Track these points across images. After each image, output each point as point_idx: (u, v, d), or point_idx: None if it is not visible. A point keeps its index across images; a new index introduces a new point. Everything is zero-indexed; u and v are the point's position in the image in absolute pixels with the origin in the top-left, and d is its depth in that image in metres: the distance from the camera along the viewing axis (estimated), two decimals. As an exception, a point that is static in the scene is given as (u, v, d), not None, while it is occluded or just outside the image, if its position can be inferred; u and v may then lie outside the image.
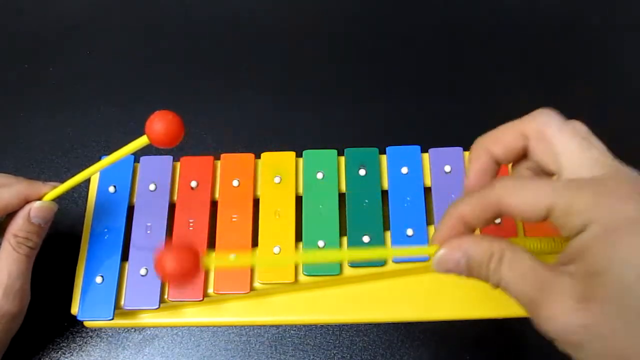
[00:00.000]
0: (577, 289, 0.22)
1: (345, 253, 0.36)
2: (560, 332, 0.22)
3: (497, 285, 0.25)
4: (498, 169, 0.28)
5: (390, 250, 0.31)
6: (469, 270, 0.25)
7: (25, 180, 0.35)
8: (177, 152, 0.47)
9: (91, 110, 0.50)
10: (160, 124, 0.28)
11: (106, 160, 0.33)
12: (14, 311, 0.34)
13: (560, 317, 0.22)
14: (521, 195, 0.24)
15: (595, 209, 0.22)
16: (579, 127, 0.26)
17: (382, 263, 0.38)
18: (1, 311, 0.33)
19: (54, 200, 0.36)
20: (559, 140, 0.26)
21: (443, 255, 0.26)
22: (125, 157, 0.41)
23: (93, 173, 0.34)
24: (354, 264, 0.38)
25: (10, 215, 0.35)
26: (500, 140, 0.28)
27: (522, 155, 0.28)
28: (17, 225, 0.34)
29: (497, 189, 0.25)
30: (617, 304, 0.21)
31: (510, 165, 0.30)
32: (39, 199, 0.35)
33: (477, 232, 0.29)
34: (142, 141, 0.30)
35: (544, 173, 0.27)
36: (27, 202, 0.35)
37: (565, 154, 0.25)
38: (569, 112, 0.51)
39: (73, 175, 0.34)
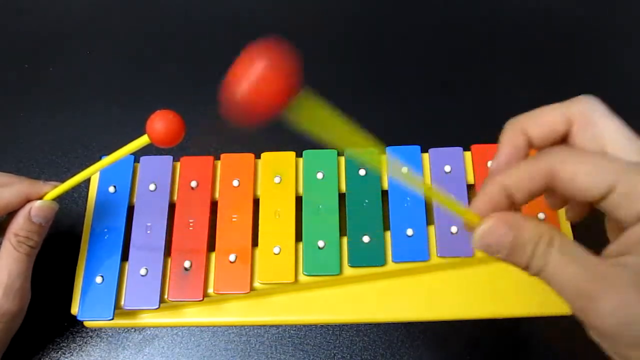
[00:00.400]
0: (635, 279, 0.20)
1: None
2: (624, 324, 0.20)
3: (537, 272, 0.23)
4: (510, 206, 0.25)
5: (433, 192, 0.26)
6: (512, 249, 0.23)
7: (26, 179, 0.35)
8: (177, 152, 0.47)
9: (91, 110, 0.50)
10: (161, 124, 0.28)
11: (106, 160, 0.33)
12: (14, 310, 0.34)
13: (623, 309, 0.20)
14: (581, 167, 0.22)
15: None
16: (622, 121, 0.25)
17: (382, 263, 0.38)
18: (1, 310, 0.33)
19: (54, 199, 0.36)
20: (606, 127, 0.24)
21: (489, 228, 0.23)
22: (125, 157, 0.41)
23: (94, 172, 0.34)
24: (354, 264, 0.38)
25: (11, 214, 0.35)
26: (540, 121, 0.26)
27: (560, 141, 0.26)
28: (18, 225, 0.34)
29: (552, 156, 0.23)
30: None
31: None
32: (40, 198, 0.35)
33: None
34: (142, 140, 0.30)
35: None
36: (28, 201, 0.35)
37: (612, 143, 0.24)
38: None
39: (73, 175, 0.34)
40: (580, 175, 0.22)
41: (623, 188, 0.21)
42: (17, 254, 0.34)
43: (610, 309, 0.20)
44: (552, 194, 0.28)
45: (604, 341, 0.21)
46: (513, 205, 0.24)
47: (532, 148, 0.26)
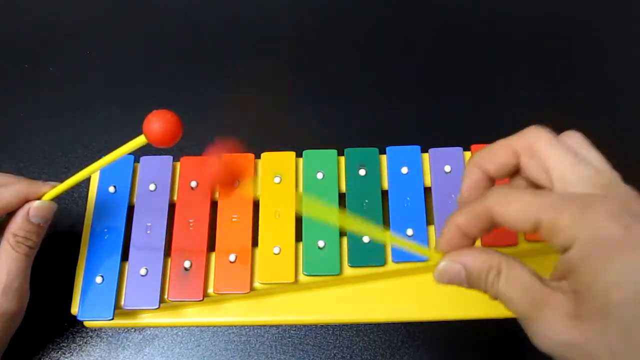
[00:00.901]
0: (568, 307, 0.22)
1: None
2: (551, 348, 0.23)
3: (494, 298, 0.25)
4: (492, 184, 0.28)
5: (391, 238, 0.31)
6: (469, 282, 0.26)
7: (25, 179, 0.35)
8: (177, 152, 0.47)
9: (91, 110, 0.50)
10: (158, 124, 0.28)
11: (104, 160, 0.33)
12: (13, 310, 0.34)
13: (551, 334, 0.23)
14: (510, 207, 0.24)
15: (579, 227, 0.22)
16: (571, 141, 0.26)
17: (382, 263, 0.38)
18: (0, 310, 0.33)
19: (53, 199, 0.36)
20: (548, 157, 0.26)
21: (443, 267, 0.27)
22: (125, 157, 0.41)
23: (92, 172, 0.34)
24: (354, 264, 0.38)
25: (10, 214, 0.35)
26: (492, 157, 0.28)
27: (515, 172, 0.28)
28: (17, 225, 0.34)
29: (488, 200, 0.25)
30: (602, 324, 0.21)
31: None
32: (39, 198, 0.35)
33: (478, 242, 0.29)
34: (140, 141, 0.30)
35: (539, 187, 0.27)
36: (27, 201, 0.35)
37: (556, 171, 0.25)
38: (569, 112, 0.51)
39: (73, 175, 0.34)
40: (509, 216, 0.24)
41: (546, 222, 0.23)
42: (16, 254, 0.34)
43: (543, 331, 0.23)
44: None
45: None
46: (472, 239, 0.27)
47: (495, 179, 0.29)
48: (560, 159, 0.25)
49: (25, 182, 0.35)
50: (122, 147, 0.31)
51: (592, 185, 0.24)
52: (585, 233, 0.22)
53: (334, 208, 0.31)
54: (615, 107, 0.50)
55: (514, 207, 0.24)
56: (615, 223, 0.21)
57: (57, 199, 0.36)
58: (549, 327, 0.23)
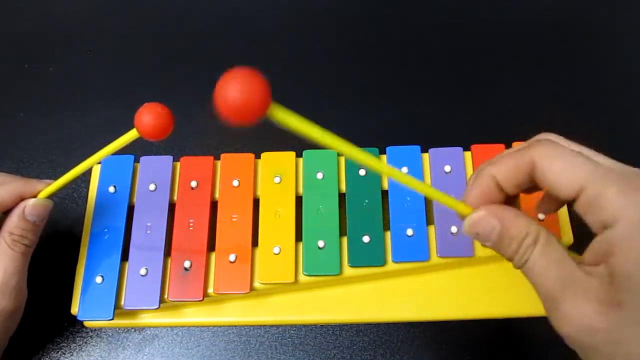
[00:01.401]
0: (602, 292, 0.21)
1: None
2: (577, 332, 0.22)
3: (520, 266, 0.24)
4: (504, 197, 0.26)
5: (423, 186, 0.26)
6: (499, 240, 0.24)
7: (20, 178, 0.35)
8: (177, 152, 0.47)
9: (91, 110, 0.50)
10: (149, 117, 0.28)
11: (97, 155, 0.32)
12: (11, 308, 0.34)
13: (580, 318, 0.21)
14: (556, 165, 0.23)
15: (627, 205, 0.21)
16: (572, 145, 0.25)
17: (382, 263, 0.38)
18: None
19: (48, 197, 0.36)
20: (561, 167, 0.23)
21: (479, 218, 0.24)
22: (125, 157, 0.41)
23: (85, 168, 0.33)
24: (354, 264, 0.38)
25: (6, 213, 0.35)
26: (503, 168, 0.25)
27: (529, 179, 0.26)
28: (12, 223, 0.34)
29: (535, 150, 0.23)
30: (635, 320, 0.20)
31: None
32: (34, 196, 0.35)
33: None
34: (131, 135, 0.30)
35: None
36: (22, 199, 0.35)
37: (573, 180, 0.23)
38: (569, 112, 0.51)
39: (67, 172, 0.34)
40: (554, 172, 0.23)
41: (591, 190, 0.22)
42: (12, 253, 0.34)
43: (571, 315, 0.22)
44: (545, 200, 0.28)
45: (566, 341, 0.23)
46: (505, 197, 0.25)
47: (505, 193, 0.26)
48: (578, 167, 0.23)
49: (20, 181, 0.35)
50: (114, 142, 0.31)
51: (627, 177, 0.22)
52: (633, 212, 0.21)
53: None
54: (616, 107, 0.50)
55: (561, 165, 0.23)
56: None
57: (58, 199, 0.36)
58: (577, 309, 0.22)
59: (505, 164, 0.24)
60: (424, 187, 0.26)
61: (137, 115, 0.29)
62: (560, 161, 0.23)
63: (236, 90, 0.21)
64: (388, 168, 0.25)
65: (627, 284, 0.20)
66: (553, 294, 0.22)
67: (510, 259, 0.24)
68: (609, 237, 0.21)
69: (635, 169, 0.23)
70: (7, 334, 0.35)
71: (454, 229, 0.39)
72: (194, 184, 0.40)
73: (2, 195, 0.34)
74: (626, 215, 0.21)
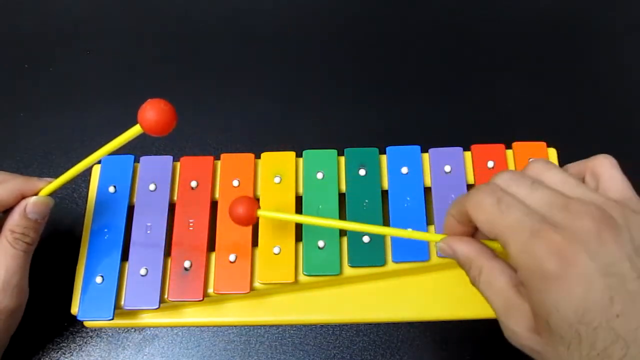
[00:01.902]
0: (531, 319, 0.25)
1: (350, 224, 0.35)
2: (521, 347, 0.26)
3: (473, 286, 0.28)
4: (468, 229, 0.29)
5: (395, 230, 0.34)
6: (458, 263, 0.29)
7: (20, 176, 0.36)
8: (177, 152, 0.47)
9: (91, 110, 0.50)
10: (152, 112, 0.28)
11: (100, 152, 0.32)
12: (12, 307, 0.34)
13: (517, 338, 0.26)
14: (479, 216, 0.26)
15: (523, 257, 0.24)
16: (533, 168, 0.27)
17: (382, 263, 0.38)
18: (1, 306, 0.33)
19: (49, 195, 0.36)
20: (483, 219, 0.27)
21: (440, 247, 0.30)
22: (125, 157, 0.41)
23: (87, 166, 0.33)
24: (354, 264, 0.38)
25: (7, 212, 0.35)
26: (454, 211, 0.29)
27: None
28: (14, 221, 0.34)
29: (467, 201, 0.27)
30: (551, 340, 0.23)
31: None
32: (35, 194, 0.35)
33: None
34: (135, 130, 0.30)
35: None
36: (23, 198, 0.35)
37: (490, 231, 0.26)
38: (569, 112, 0.52)
39: (68, 170, 0.34)
40: (479, 221, 0.26)
41: (502, 242, 0.25)
42: (14, 251, 0.34)
43: (510, 335, 0.26)
44: None
45: None
46: (471, 228, 0.29)
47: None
48: (495, 220, 0.26)
49: (21, 179, 0.35)
50: (117, 138, 0.31)
51: (551, 208, 0.25)
52: (527, 263, 0.24)
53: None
54: (616, 107, 0.50)
55: (481, 216, 0.26)
56: (554, 258, 0.23)
57: (58, 198, 0.36)
58: (515, 332, 0.26)
59: (455, 207, 0.29)
60: (393, 230, 0.34)
61: (140, 111, 0.29)
62: (482, 214, 0.26)
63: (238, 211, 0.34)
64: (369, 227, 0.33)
65: (537, 318, 0.24)
66: (499, 316, 0.26)
67: (471, 280, 0.29)
68: (520, 276, 0.25)
69: (545, 217, 0.24)
70: (8, 333, 0.35)
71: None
72: (194, 184, 0.40)
73: (2, 194, 0.34)
74: (523, 265, 0.24)
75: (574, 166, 0.29)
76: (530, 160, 0.29)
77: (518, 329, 0.25)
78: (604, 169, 0.27)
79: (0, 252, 0.34)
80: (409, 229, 0.33)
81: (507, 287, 0.26)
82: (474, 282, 0.28)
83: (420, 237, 0.33)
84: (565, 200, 0.25)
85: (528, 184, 0.26)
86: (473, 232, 0.29)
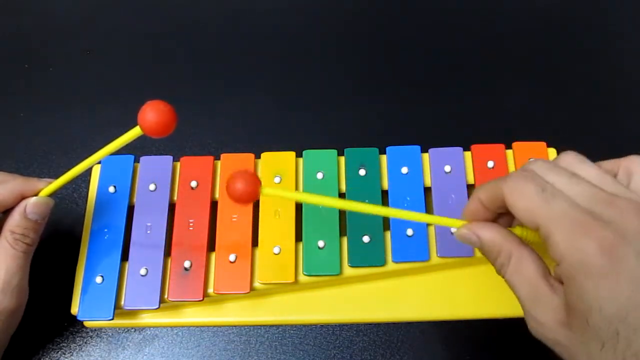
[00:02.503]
0: (560, 312, 0.24)
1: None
2: (541, 339, 0.26)
3: (500, 275, 0.28)
4: (492, 214, 0.29)
5: (421, 216, 0.31)
6: (482, 252, 0.28)
7: (20, 177, 0.35)
8: (177, 152, 0.47)
9: (91, 110, 0.50)
10: (152, 114, 0.28)
11: (99, 153, 0.32)
12: (12, 307, 0.34)
13: (542, 330, 0.25)
14: (519, 203, 0.25)
15: (569, 250, 0.23)
16: (564, 163, 0.27)
17: (382, 263, 0.38)
18: (1, 307, 0.33)
19: (50, 195, 0.36)
20: (523, 206, 0.26)
21: (462, 234, 0.29)
22: (125, 157, 0.41)
23: (87, 167, 0.33)
24: (354, 264, 0.38)
25: (7, 212, 0.35)
26: (484, 194, 0.28)
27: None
28: (14, 222, 0.34)
29: (505, 184, 0.26)
30: (584, 337, 0.23)
31: None
32: (35, 195, 0.35)
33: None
34: (135, 132, 0.30)
35: None
36: (23, 198, 0.35)
37: (531, 219, 0.25)
38: (569, 113, 0.51)
39: (68, 171, 0.34)
40: (517, 208, 0.26)
41: (543, 232, 0.24)
42: (14, 252, 0.34)
43: (536, 325, 0.26)
44: None
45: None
46: (495, 214, 0.28)
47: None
48: (538, 207, 0.25)
49: (21, 179, 0.35)
50: (117, 139, 0.31)
51: (596, 203, 0.24)
52: (574, 256, 0.23)
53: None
54: (616, 106, 0.50)
55: (521, 203, 0.25)
56: (604, 254, 0.22)
57: (58, 199, 0.36)
58: (542, 323, 0.25)
59: (486, 191, 0.28)
60: (422, 216, 0.32)
61: (140, 112, 0.29)
62: (523, 200, 0.25)
63: (239, 187, 0.29)
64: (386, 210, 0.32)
65: (573, 313, 0.24)
66: (524, 305, 0.26)
67: (496, 268, 0.28)
68: (559, 271, 0.24)
69: (591, 211, 0.24)
70: (8, 333, 0.35)
71: (453, 229, 0.39)
72: (194, 184, 0.40)
73: (2, 194, 0.34)
74: (568, 258, 0.23)
75: (607, 163, 0.28)
76: (562, 153, 0.27)
77: (545, 320, 0.25)
78: (639, 168, 0.27)
79: (0, 252, 0.34)
80: (424, 213, 0.32)
81: (537, 276, 0.26)
82: (500, 270, 0.27)
83: (438, 221, 0.31)
84: (609, 196, 0.24)
85: (567, 174, 0.25)
86: (495, 219, 0.29)
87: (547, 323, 0.25)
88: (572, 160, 0.27)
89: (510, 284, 0.27)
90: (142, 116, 0.29)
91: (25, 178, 0.35)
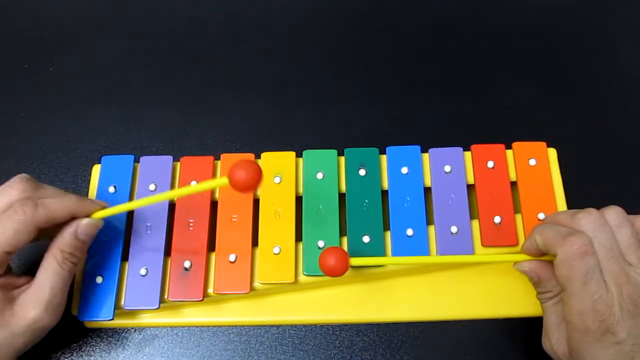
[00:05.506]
0: (569, 341, 0.32)
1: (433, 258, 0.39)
2: (551, 356, 0.34)
3: (538, 299, 0.36)
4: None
5: (485, 256, 0.39)
6: (535, 284, 0.35)
7: (74, 195, 0.35)
8: (177, 152, 0.47)
9: (91, 110, 0.50)
10: (244, 173, 0.29)
11: (176, 192, 0.35)
12: (51, 324, 0.34)
13: (552, 351, 0.34)
14: (563, 271, 0.31)
15: (576, 319, 0.31)
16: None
17: (382, 263, 0.38)
18: (41, 324, 0.33)
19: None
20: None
21: (525, 271, 0.35)
22: (125, 157, 0.41)
23: (156, 201, 0.35)
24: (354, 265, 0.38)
25: (57, 227, 0.35)
26: (535, 241, 0.34)
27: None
28: (64, 241, 0.34)
29: (561, 249, 0.31)
30: None
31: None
32: (87, 216, 0.35)
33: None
34: (221, 182, 0.30)
35: None
36: (73, 217, 0.35)
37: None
38: (569, 113, 0.51)
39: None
40: (560, 275, 0.32)
41: (566, 295, 0.31)
42: (61, 271, 0.34)
43: (548, 345, 0.34)
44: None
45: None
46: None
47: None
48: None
49: (75, 198, 0.35)
50: (201, 183, 0.31)
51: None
52: (578, 326, 0.31)
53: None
54: (616, 106, 0.50)
55: (565, 272, 0.31)
56: (593, 318, 0.30)
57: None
58: (552, 344, 0.34)
59: (544, 239, 0.33)
60: (481, 257, 0.39)
61: (233, 169, 0.29)
62: (567, 270, 0.31)
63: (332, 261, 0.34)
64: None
65: (573, 353, 0.32)
66: (548, 329, 0.34)
67: (538, 295, 0.36)
68: (571, 325, 0.31)
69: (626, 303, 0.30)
70: (33, 344, 0.35)
71: (453, 229, 0.39)
72: (193, 184, 0.40)
73: (57, 209, 0.34)
74: (573, 324, 0.31)
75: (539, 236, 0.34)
76: (609, 209, 0.33)
77: (557, 347, 0.33)
78: None
79: (48, 270, 0.34)
80: (494, 254, 0.39)
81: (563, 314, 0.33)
82: (542, 298, 0.35)
83: (507, 259, 0.36)
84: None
85: (616, 256, 0.31)
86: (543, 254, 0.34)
87: (558, 349, 0.33)
88: (616, 220, 0.32)
89: (546, 310, 0.34)
90: (235, 173, 0.29)
91: (79, 197, 0.36)
